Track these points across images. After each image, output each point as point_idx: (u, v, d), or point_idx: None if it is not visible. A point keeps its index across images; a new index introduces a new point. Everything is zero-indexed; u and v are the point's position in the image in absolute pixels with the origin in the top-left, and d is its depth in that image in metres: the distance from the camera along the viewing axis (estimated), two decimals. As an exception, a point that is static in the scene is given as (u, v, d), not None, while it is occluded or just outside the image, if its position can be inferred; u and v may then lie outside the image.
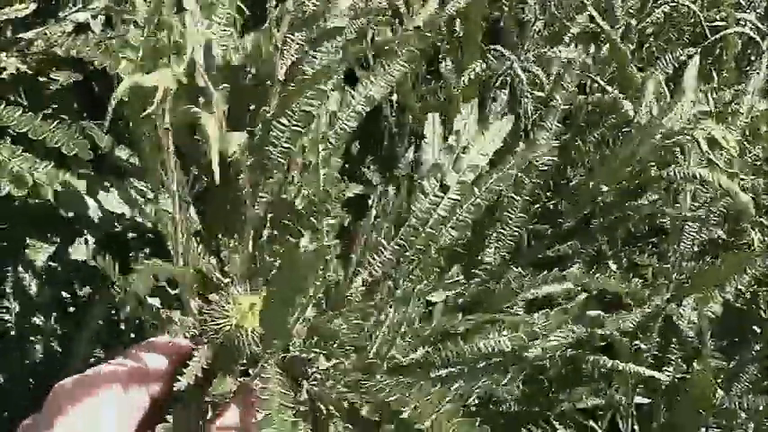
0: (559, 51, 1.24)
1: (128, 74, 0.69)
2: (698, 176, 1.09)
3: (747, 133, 1.23)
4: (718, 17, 1.48)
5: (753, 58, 1.46)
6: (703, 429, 1.13)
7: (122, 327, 1.16)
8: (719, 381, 1.14)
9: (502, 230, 1.09)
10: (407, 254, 0.90)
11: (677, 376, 1.14)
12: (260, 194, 0.84)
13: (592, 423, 1.15)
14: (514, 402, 1.14)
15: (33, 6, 1.00)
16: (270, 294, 0.75)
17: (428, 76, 1.32)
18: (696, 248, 1.19)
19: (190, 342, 0.79)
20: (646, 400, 1.16)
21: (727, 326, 1.21)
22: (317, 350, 0.81)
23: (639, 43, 1.41)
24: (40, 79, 1.03)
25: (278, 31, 0.83)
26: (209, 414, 0.77)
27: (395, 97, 1.26)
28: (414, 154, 1.19)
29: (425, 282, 0.90)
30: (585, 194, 1.19)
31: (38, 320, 1.13)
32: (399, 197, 0.94)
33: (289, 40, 0.84)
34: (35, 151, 0.95)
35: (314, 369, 0.82)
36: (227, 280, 0.84)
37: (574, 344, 0.96)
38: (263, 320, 0.75)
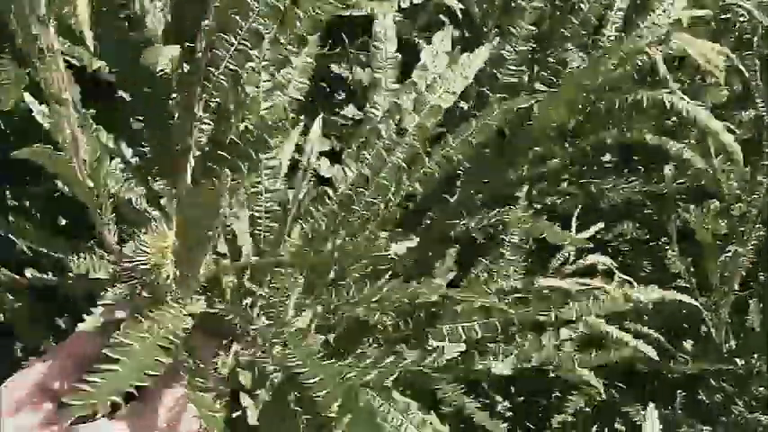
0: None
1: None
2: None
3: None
4: None
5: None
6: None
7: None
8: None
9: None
10: (354, 207, 0.83)
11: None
12: (198, 121, 0.75)
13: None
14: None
15: None
16: (180, 231, 0.66)
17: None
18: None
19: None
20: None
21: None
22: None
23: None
24: None
25: None
26: None
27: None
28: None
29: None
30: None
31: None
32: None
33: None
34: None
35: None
36: (155, 213, 0.76)
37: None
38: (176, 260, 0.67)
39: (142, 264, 0.67)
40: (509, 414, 1.19)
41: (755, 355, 1.12)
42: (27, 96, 0.86)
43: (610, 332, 1.01)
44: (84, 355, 0.67)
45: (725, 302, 1.12)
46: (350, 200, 0.83)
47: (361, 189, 0.83)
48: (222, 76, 0.72)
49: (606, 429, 1.17)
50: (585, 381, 1.11)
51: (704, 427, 1.10)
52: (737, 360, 1.12)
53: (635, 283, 0.98)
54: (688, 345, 1.16)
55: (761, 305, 1.13)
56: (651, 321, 1.11)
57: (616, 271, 1.03)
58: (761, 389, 1.11)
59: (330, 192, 0.83)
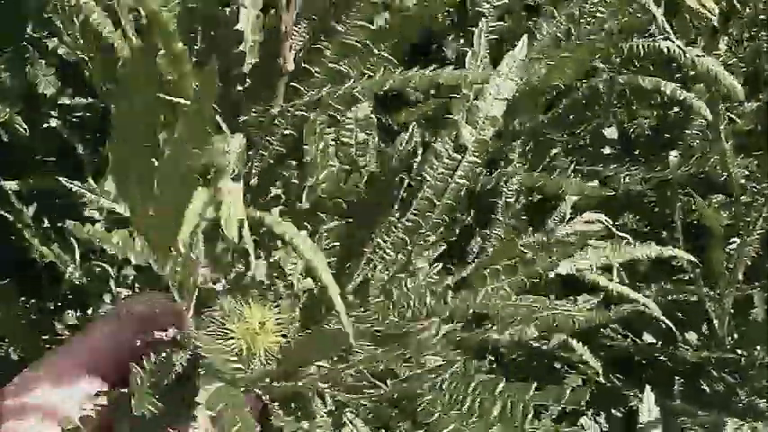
0: None
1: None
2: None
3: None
4: None
5: None
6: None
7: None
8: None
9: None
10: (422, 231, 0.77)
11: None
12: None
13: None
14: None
15: None
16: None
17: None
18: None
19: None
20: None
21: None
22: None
23: None
24: None
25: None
26: None
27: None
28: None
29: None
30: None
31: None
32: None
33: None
34: None
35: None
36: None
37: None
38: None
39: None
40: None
41: (758, 347, 1.13)
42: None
43: (611, 287, 1.01)
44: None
45: (729, 293, 1.12)
46: (418, 226, 0.77)
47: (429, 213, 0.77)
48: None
49: (602, 413, 1.16)
50: (583, 361, 1.11)
51: (703, 413, 1.10)
52: (740, 351, 1.13)
53: (631, 240, 0.97)
54: (691, 336, 1.17)
55: (766, 296, 1.14)
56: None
57: (612, 228, 1.01)
58: (763, 381, 1.12)
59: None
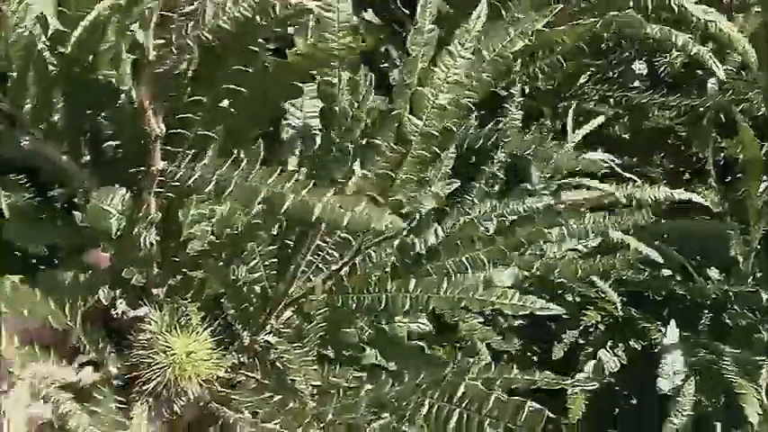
0: None
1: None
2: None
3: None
4: None
5: None
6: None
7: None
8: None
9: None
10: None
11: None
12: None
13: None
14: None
15: None
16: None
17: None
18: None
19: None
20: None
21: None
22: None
23: None
24: None
25: None
26: None
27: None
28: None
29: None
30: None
31: None
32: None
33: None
34: None
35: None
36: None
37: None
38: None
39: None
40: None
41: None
42: None
43: (615, 237, 0.99)
44: None
45: (757, 228, 1.06)
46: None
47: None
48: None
49: (621, 345, 1.15)
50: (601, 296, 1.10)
51: (726, 347, 1.07)
52: (762, 292, 1.08)
53: (639, 182, 0.94)
54: (714, 272, 1.12)
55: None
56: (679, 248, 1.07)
57: (618, 169, 0.97)
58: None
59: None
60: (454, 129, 0.73)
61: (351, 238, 0.74)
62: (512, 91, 1.07)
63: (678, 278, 1.11)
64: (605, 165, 1.03)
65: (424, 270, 0.82)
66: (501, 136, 0.96)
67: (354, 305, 0.79)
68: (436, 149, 0.73)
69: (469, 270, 0.81)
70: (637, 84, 1.16)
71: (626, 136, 1.20)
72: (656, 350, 1.10)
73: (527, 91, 1.11)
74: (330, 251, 0.75)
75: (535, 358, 1.20)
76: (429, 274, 0.82)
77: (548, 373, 0.93)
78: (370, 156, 0.72)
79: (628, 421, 1.20)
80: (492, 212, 0.85)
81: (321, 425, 0.67)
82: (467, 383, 0.68)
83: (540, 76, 1.06)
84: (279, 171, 0.55)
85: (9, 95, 0.63)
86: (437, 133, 0.71)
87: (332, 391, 0.72)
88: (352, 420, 0.68)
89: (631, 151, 1.16)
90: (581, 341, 1.15)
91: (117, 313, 0.72)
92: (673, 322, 1.09)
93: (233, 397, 0.72)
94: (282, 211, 0.53)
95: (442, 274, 0.81)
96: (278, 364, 0.76)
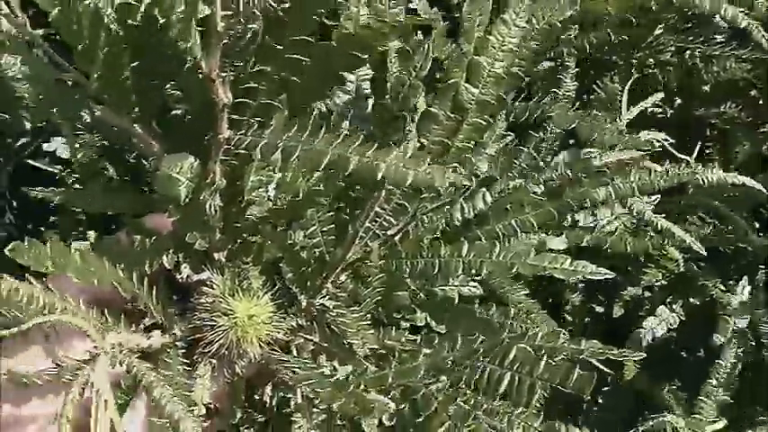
0: None
1: None
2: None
3: None
4: None
5: None
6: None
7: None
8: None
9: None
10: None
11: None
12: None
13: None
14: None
15: None
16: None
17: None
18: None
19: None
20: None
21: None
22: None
23: None
24: None
25: None
26: None
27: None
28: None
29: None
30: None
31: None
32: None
33: None
34: None
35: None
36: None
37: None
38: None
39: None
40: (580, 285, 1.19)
41: None
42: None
43: (655, 221, 0.99)
44: None
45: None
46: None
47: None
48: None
49: (681, 301, 1.15)
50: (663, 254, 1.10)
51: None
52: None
53: (692, 162, 0.94)
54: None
55: None
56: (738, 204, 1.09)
57: (670, 148, 0.98)
58: None
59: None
60: (504, 97, 0.75)
61: (407, 204, 0.76)
62: (567, 62, 1.08)
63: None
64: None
65: (474, 234, 0.84)
66: (546, 110, 0.96)
67: (408, 270, 0.80)
68: (489, 118, 0.74)
69: (519, 233, 0.82)
70: (716, 36, 1.15)
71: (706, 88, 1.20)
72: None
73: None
74: (387, 217, 0.77)
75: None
76: (479, 238, 0.83)
77: (595, 342, 0.96)
78: (426, 124, 0.73)
79: (690, 373, 1.20)
80: (540, 176, 0.86)
81: (381, 388, 0.68)
82: (518, 347, 0.70)
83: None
84: (343, 135, 0.56)
85: (78, 65, 0.65)
86: (493, 101, 0.72)
87: (389, 355, 0.74)
88: (412, 384, 0.69)
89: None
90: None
91: (181, 277, 0.74)
92: (745, 279, 1.09)
93: (290, 362, 0.75)
94: (348, 172, 0.55)
95: (492, 238, 0.82)
96: (334, 327, 0.78)
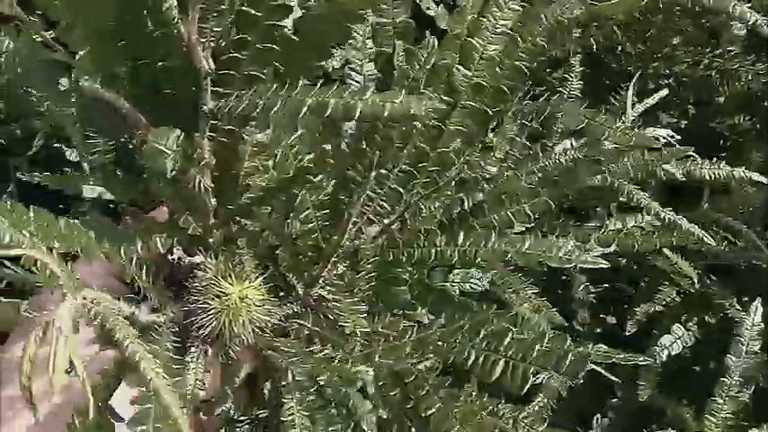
0: None
1: None
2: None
3: None
4: None
5: None
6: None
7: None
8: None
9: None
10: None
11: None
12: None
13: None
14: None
15: None
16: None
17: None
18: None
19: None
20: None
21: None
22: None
23: None
24: None
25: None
26: None
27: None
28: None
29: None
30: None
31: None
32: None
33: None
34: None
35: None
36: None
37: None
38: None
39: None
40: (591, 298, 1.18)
41: None
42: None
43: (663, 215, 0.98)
44: None
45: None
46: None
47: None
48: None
49: (695, 319, 1.14)
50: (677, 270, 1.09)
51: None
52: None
53: (698, 158, 0.92)
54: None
55: None
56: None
57: (676, 144, 0.96)
58: None
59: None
60: (507, 90, 0.75)
61: (401, 189, 0.76)
62: (571, 61, 1.08)
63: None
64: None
65: (470, 225, 0.83)
66: (554, 109, 0.96)
67: (405, 259, 0.80)
68: (486, 107, 0.74)
69: (515, 223, 0.81)
70: (731, 48, 1.15)
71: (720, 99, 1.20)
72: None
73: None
74: (381, 202, 0.77)
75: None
76: (475, 228, 0.83)
77: (601, 346, 0.94)
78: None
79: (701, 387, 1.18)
80: (534, 165, 0.85)
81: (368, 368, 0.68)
82: (513, 334, 0.70)
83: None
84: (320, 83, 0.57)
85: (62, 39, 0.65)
86: (487, 85, 0.72)
87: (379, 337, 0.74)
88: (398, 362, 0.69)
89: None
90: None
91: (173, 259, 0.74)
92: (758, 301, 1.07)
93: (283, 345, 0.74)
94: (326, 115, 0.55)
95: (489, 228, 0.81)
96: (330, 315, 0.78)
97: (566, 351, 0.68)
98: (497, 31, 0.71)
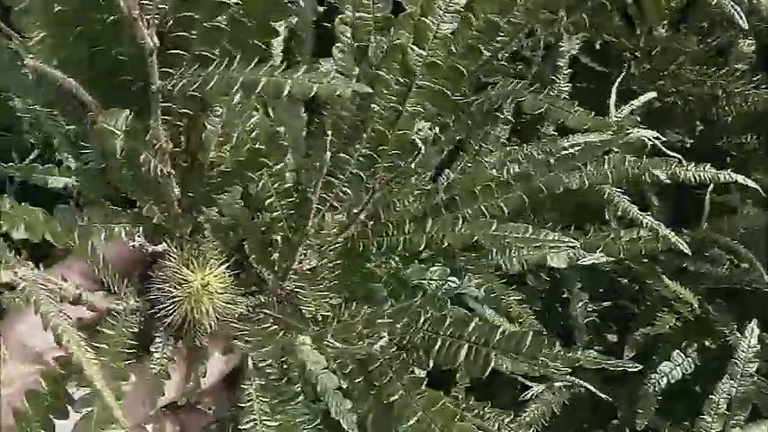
0: None
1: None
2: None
3: None
4: None
5: None
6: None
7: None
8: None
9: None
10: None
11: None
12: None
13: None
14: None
15: None
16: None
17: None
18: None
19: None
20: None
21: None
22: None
23: None
24: None
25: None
26: None
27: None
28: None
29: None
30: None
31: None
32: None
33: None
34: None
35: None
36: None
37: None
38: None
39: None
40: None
41: None
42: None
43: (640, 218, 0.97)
44: None
45: None
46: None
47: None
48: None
49: (696, 345, 1.12)
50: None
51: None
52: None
53: (683, 161, 0.91)
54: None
55: None
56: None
57: (662, 147, 0.95)
58: None
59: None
60: (463, 69, 0.74)
61: (362, 174, 0.76)
62: (559, 63, 1.08)
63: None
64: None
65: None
66: (516, 95, 0.94)
67: (374, 248, 0.79)
68: (443, 87, 0.74)
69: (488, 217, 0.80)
70: (739, 66, 1.15)
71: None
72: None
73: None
74: (343, 188, 0.77)
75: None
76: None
77: (591, 351, 0.93)
78: (377, 89, 0.73)
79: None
80: (506, 157, 0.84)
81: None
82: (475, 322, 0.71)
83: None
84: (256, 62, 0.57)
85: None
86: (441, 63, 0.72)
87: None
88: (352, 342, 0.68)
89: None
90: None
91: (134, 246, 0.74)
92: (754, 323, 1.05)
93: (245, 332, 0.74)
94: (258, 91, 0.55)
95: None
96: (297, 304, 0.77)
97: (524, 333, 0.68)
98: (450, 9, 0.71)
